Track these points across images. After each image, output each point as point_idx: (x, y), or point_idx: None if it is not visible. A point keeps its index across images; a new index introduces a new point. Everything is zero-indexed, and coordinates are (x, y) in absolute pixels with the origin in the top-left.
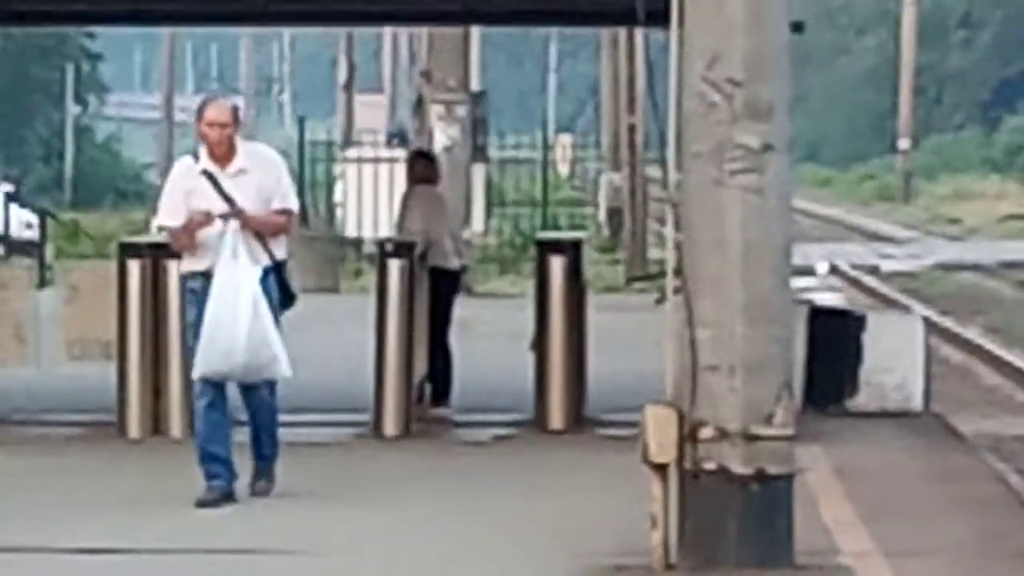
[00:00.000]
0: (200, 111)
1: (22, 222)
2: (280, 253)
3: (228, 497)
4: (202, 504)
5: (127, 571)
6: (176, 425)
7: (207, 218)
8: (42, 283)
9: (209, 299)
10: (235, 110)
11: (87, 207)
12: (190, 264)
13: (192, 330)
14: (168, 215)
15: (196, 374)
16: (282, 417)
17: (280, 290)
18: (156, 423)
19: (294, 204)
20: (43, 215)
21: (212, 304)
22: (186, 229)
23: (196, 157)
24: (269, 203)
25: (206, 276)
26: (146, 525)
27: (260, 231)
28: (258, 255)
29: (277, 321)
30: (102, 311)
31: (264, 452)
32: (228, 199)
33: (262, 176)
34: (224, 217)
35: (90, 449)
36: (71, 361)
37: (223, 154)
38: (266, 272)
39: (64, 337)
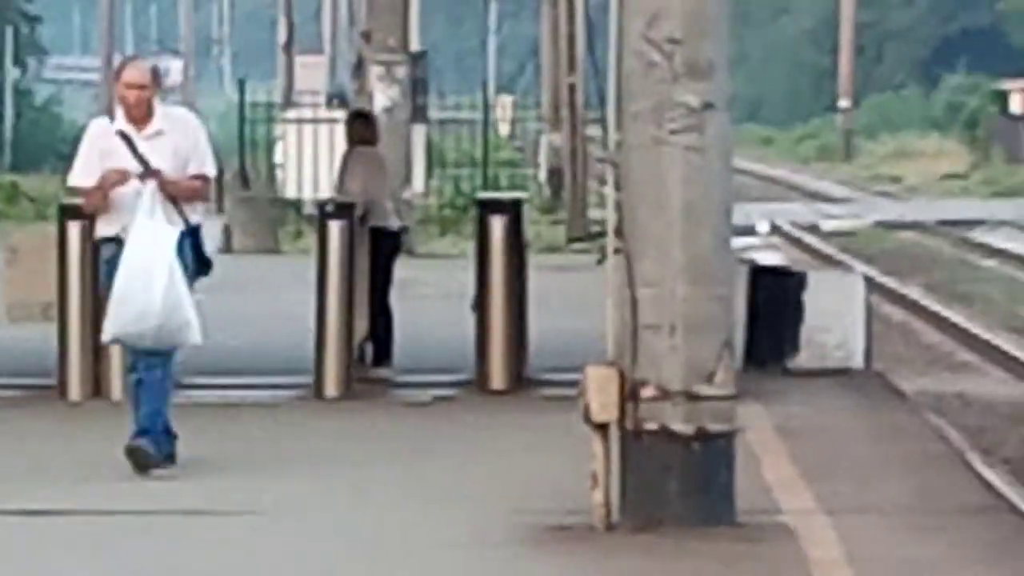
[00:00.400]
0: (118, 72)
1: None
2: (195, 218)
3: (169, 459)
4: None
5: (69, 533)
6: (116, 388)
7: (122, 177)
8: None
9: (123, 258)
10: (155, 72)
11: (27, 170)
12: (103, 228)
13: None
14: (82, 175)
15: (106, 336)
16: (222, 380)
17: (196, 256)
18: (96, 386)
19: (211, 169)
20: None
21: (126, 263)
22: (100, 188)
23: (112, 117)
24: (186, 167)
25: (119, 243)
26: (87, 487)
27: (175, 195)
28: (172, 219)
29: (190, 286)
30: (43, 273)
31: (152, 410)
32: (143, 161)
33: (179, 139)
34: (141, 177)
35: (30, 412)
36: (12, 323)
37: (140, 116)
38: (181, 236)
39: (5, 300)
